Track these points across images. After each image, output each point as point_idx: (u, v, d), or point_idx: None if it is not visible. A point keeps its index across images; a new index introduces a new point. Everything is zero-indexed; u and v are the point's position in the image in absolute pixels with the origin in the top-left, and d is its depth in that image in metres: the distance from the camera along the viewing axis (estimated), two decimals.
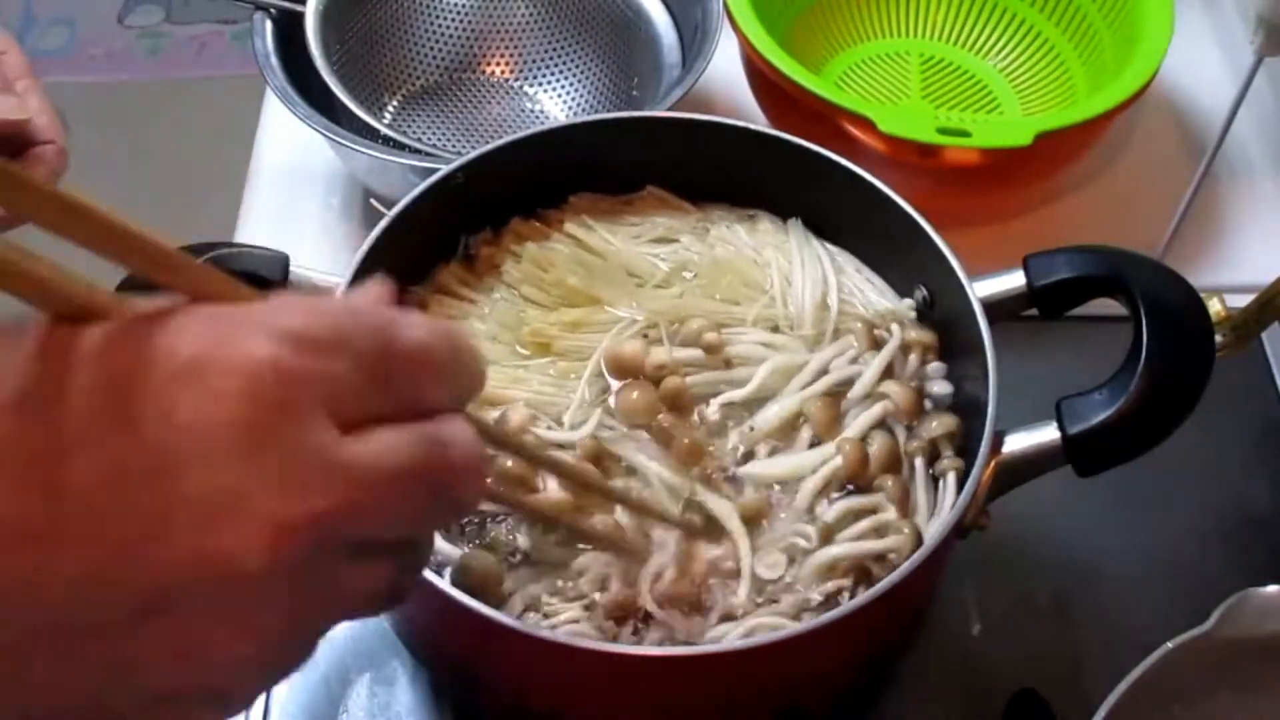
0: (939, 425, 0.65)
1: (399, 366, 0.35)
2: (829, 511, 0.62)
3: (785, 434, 0.65)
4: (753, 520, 0.62)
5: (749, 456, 0.65)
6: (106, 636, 0.31)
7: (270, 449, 0.31)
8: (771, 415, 0.65)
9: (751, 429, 0.65)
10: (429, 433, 0.35)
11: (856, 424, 0.65)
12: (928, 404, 0.67)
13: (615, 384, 0.66)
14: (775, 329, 0.69)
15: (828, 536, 0.62)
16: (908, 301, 0.70)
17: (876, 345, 0.68)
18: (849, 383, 0.66)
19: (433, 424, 0.35)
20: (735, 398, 0.66)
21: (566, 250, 0.72)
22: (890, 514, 0.62)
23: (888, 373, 0.67)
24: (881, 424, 0.65)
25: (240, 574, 0.31)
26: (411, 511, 0.35)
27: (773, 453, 0.65)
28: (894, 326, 0.69)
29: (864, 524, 0.62)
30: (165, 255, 0.34)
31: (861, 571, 0.61)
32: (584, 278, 0.70)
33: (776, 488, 0.64)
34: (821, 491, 0.63)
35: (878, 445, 0.64)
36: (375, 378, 0.34)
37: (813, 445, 0.65)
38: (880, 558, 0.61)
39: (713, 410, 0.65)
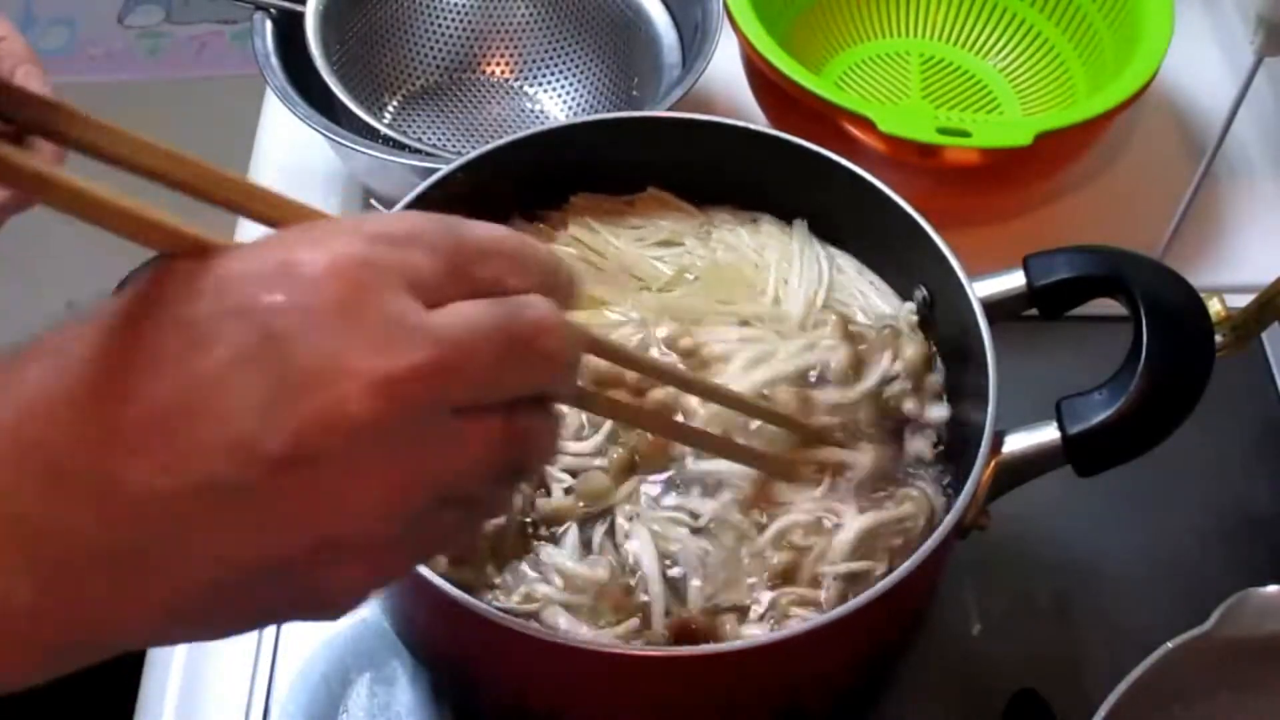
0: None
1: (472, 256, 0.39)
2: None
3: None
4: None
5: None
6: (255, 494, 0.35)
7: (364, 318, 0.36)
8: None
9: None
10: (505, 302, 0.39)
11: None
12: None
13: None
14: (745, 323, 0.69)
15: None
16: (908, 306, 0.70)
17: (850, 337, 0.69)
18: (823, 367, 0.67)
19: (511, 299, 0.39)
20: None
21: (572, 252, 0.72)
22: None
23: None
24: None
25: (356, 425, 0.35)
26: (500, 368, 0.38)
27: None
28: (885, 355, 0.68)
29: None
30: (247, 189, 0.42)
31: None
32: (588, 280, 0.70)
33: None
34: None
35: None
36: (451, 266, 0.38)
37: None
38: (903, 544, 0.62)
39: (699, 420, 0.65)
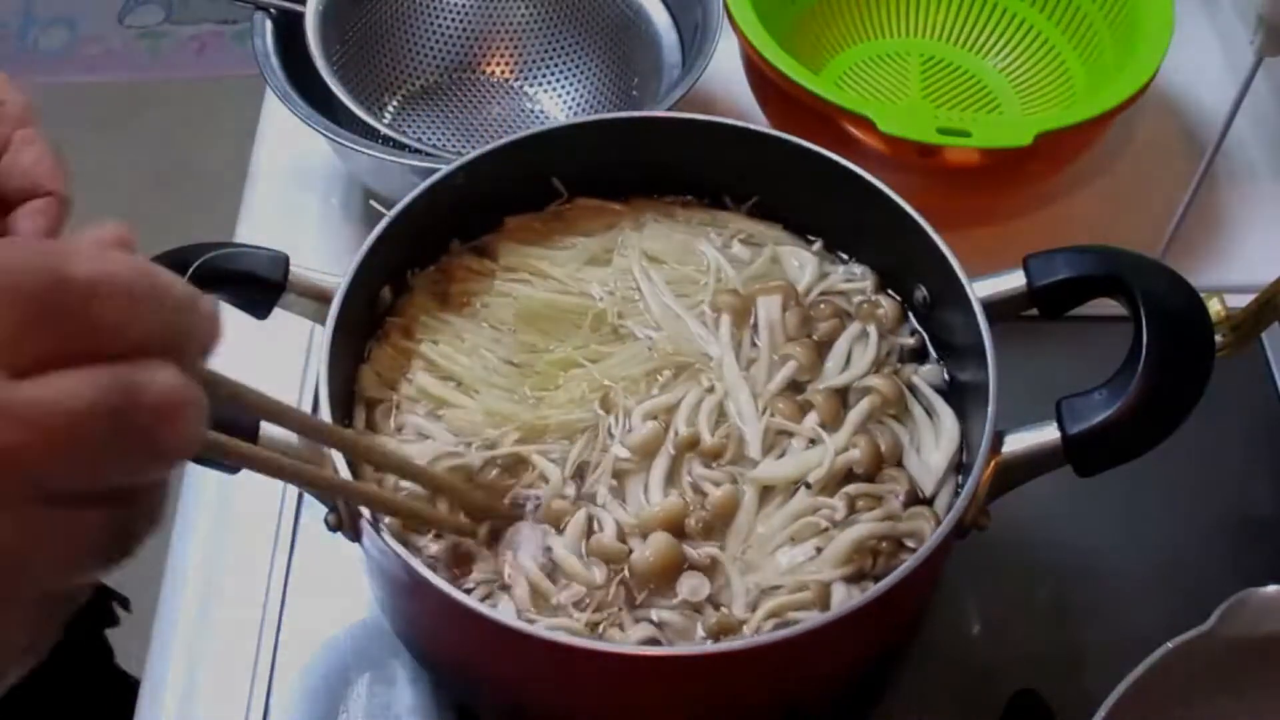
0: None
1: (77, 298, 0.32)
2: (840, 492, 0.64)
3: (795, 413, 0.67)
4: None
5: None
6: None
7: None
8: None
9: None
10: (116, 372, 0.32)
11: (850, 422, 0.66)
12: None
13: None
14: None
15: (850, 510, 0.63)
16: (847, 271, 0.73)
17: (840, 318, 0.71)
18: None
19: (127, 365, 0.32)
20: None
21: (521, 292, 0.71)
22: (895, 505, 0.64)
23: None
24: (872, 415, 0.67)
25: None
26: (94, 456, 0.32)
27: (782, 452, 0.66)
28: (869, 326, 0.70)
29: (880, 511, 0.63)
30: None
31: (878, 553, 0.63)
32: (541, 333, 0.70)
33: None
34: (826, 485, 0.64)
35: (886, 440, 0.65)
36: (45, 316, 0.31)
37: (810, 445, 0.65)
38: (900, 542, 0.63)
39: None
